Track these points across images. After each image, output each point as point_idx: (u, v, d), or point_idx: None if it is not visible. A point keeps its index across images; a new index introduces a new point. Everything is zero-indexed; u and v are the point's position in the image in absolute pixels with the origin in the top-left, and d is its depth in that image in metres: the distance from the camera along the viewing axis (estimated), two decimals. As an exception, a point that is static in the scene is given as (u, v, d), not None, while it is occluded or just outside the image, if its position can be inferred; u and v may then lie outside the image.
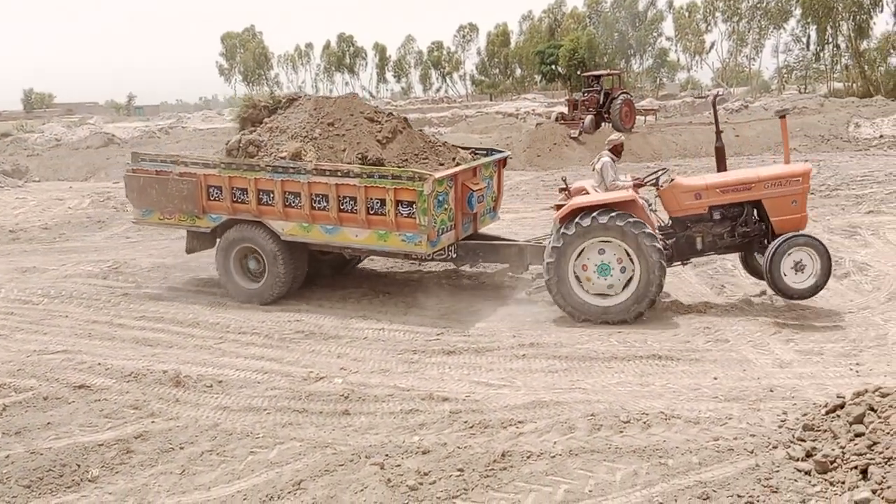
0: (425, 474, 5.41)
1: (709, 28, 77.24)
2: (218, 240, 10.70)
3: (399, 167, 9.82)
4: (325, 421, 6.48)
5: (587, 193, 9.63)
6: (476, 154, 11.38)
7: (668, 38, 79.13)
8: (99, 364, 7.96)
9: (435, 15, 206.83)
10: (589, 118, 31.56)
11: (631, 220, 9.02)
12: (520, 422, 6.26)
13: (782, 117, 10.18)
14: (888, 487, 4.63)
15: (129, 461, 5.89)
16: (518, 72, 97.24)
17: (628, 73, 71.51)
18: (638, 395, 6.86)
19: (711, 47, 78.00)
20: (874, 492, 4.67)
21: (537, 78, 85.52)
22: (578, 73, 64.23)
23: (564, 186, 9.97)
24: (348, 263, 12.14)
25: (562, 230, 9.16)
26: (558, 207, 9.61)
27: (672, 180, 9.74)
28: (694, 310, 9.61)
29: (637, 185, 9.89)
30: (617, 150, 10.24)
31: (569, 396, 6.82)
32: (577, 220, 9.09)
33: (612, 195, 9.45)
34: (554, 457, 5.61)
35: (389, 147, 10.49)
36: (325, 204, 9.87)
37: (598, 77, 34.96)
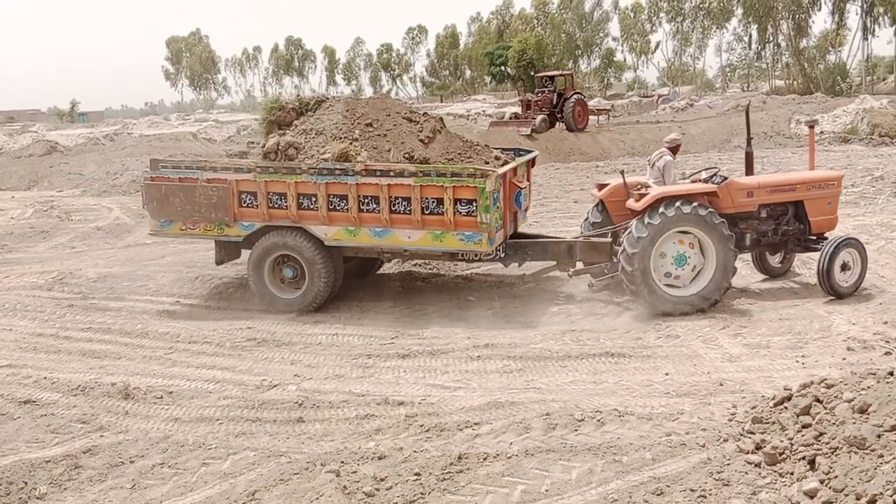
0: (382, 480, 5.39)
1: (654, 28, 78.74)
2: (250, 249, 10.15)
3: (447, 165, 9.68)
4: (279, 429, 6.41)
5: (649, 187, 9.72)
6: (505, 153, 11.23)
7: (614, 39, 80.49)
8: (45, 378, 7.75)
9: (383, 17, 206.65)
10: (540, 117, 31.94)
11: (711, 210, 9.37)
12: (476, 423, 6.28)
13: (811, 127, 11.34)
14: (835, 477, 4.74)
15: (78, 477, 5.75)
16: (468, 73, 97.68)
17: (577, 73, 72.21)
18: (592, 393, 6.92)
19: (657, 47, 79.44)
20: (822, 482, 4.79)
21: (487, 79, 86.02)
22: (530, 73, 64.80)
23: (603, 184, 10.53)
24: (370, 270, 11.80)
25: (647, 220, 9.26)
26: (599, 188, 10.46)
27: (726, 179, 10.01)
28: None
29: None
30: (675, 149, 10.45)
31: (524, 396, 6.86)
32: (661, 209, 9.24)
33: (697, 186, 9.80)
34: (510, 457, 5.63)
35: (431, 146, 10.30)
36: (375, 206, 9.53)
37: (551, 78, 35.48)
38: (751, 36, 64.83)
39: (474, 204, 9.28)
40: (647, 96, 57.30)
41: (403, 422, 6.39)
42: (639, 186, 9.79)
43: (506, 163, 10.35)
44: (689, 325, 8.87)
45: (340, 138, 9.95)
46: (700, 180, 10.20)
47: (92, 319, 10.01)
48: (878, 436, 4.85)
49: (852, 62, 60.23)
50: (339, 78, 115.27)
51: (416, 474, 5.44)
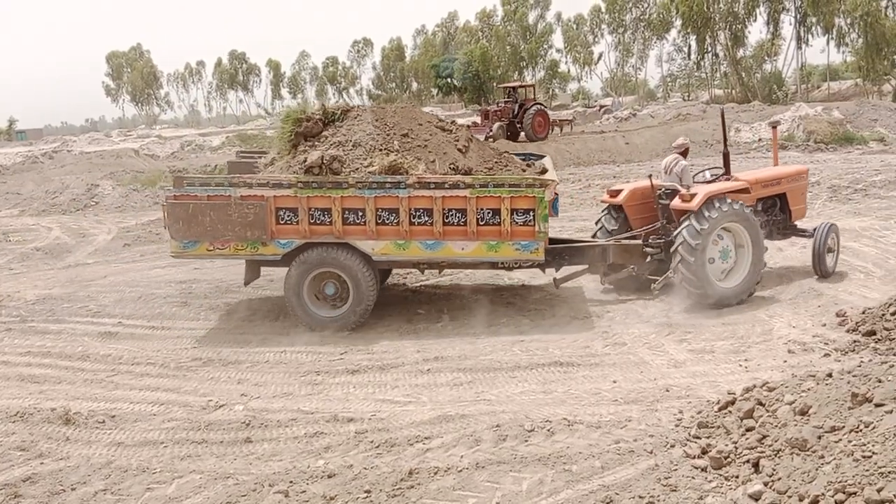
0: (331, 499, 5.33)
1: (596, 40, 79.82)
2: (289, 267, 9.72)
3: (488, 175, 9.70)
4: (226, 450, 6.30)
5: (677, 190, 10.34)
6: (520, 158, 11.31)
7: (558, 50, 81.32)
8: (-19, 405, 7.50)
9: (328, 30, 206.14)
10: (497, 125, 32.53)
11: (749, 207, 10.22)
12: (426, 438, 6.26)
13: (774, 127, 13.48)
14: (778, 479, 4.83)
15: (17, 507, 5.57)
16: (414, 85, 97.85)
17: (496, 84, 72.99)
18: (541, 403, 6.96)
19: (599, 58, 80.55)
20: (766, 484, 4.87)
21: (434, 91, 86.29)
22: (476, 85, 65.20)
23: (616, 190, 11.21)
24: (383, 283, 11.53)
25: (705, 214, 9.75)
26: (613, 195, 11.09)
27: (729, 177, 10.81)
28: (593, 315, 9.84)
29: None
30: (685, 153, 11.06)
31: (474, 409, 6.86)
32: (716, 205, 9.82)
33: (732, 184, 10.48)
34: (461, 471, 5.62)
35: (469, 156, 10.24)
36: (428, 218, 9.39)
37: (514, 89, 36.22)
38: (690, 46, 66.18)
39: (531, 213, 9.35)
40: (590, 107, 58.10)
41: (353, 438, 6.34)
42: (659, 188, 10.66)
43: (544, 171, 10.36)
44: (636, 332, 8.99)
45: (380, 150, 9.74)
46: (706, 181, 10.90)
47: (31, 343, 9.72)
48: (819, 437, 4.96)
49: (787, 71, 62.00)
50: (284, 91, 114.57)
51: (366, 491, 5.39)
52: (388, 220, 9.43)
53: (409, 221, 9.39)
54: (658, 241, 10.58)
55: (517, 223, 9.37)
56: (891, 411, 4.80)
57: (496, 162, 10.35)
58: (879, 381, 5.17)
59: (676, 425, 6.19)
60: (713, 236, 9.88)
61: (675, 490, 5.11)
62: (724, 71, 64.02)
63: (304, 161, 9.50)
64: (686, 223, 9.83)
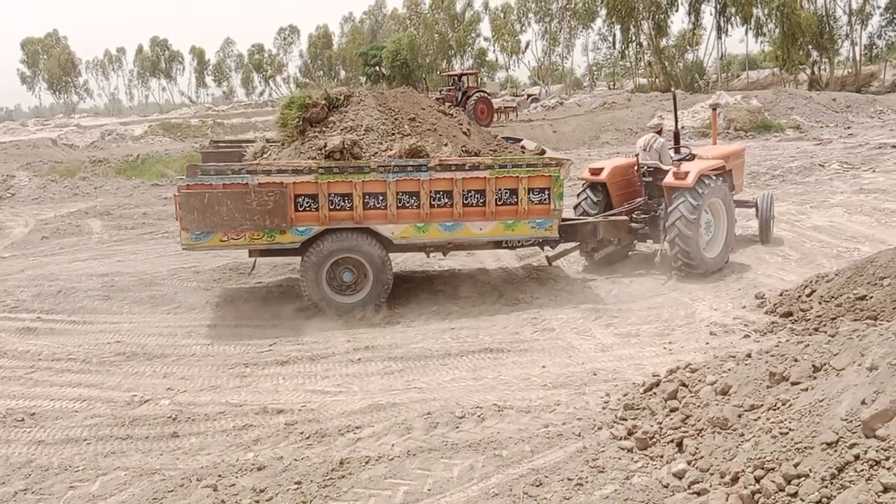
0: (261, 491, 5.26)
1: (523, 28, 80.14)
2: (306, 255, 9.56)
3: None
4: (152, 446, 6.16)
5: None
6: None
7: (486, 39, 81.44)
8: None
9: (253, 18, 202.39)
10: None
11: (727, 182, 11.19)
12: (357, 427, 6.24)
13: (714, 109, 15.23)
14: (701, 457, 4.98)
15: (-71, 512, 5.35)
16: (342, 73, 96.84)
17: (439, 72, 72.93)
18: (472, 390, 7.01)
19: (527, 47, 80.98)
20: (689, 462, 5.02)
21: (362, 79, 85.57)
22: (404, 73, 64.91)
23: (598, 168, 11.66)
24: None
25: (698, 191, 10.36)
26: (595, 173, 11.54)
27: (695, 156, 11.64)
28: (522, 301, 9.94)
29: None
30: (660, 132, 11.65)
31: (405, 397, 6.87)
32: (706, 182, 10.51)
33: (715, 162, 11.18)
34: (392, 459, 5.62)
35: (473, 139, 10.38)
36: (448, 200, 9.49)
37: (459, 77, 36.53)
38: (615, 36, 67.16)
39: (546, 192, 9.67)
40: (517, 95, 58.48)
41: (283, 430, 6.28)
42: (676, 164, 11.07)
43: (542, 151, 10.77)
44: (564, 318, 9.12)
45: (392, 134, 9.77)
46: (680, 158, 11.52)
47: (-58, 341, 9.32)
48: (739, 415, 5.13)
49: (708, 60, 63.48)
50: (209, 80, 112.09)
51: (296, 483, 5.34)
52: (408, 203, 9.48)
53: (430, 204, 9.49)
54: (643, 216, 11.28)
55: (533, 202, 9.68)
56: (806, 389, 4.99)
57: (497, 144, 10.75)
58: (796, 361, 5.36)
59: (603, 408, 6.31)
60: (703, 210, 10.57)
61: (602, 471, 5.21)
62: (647, 60, 65.15)
63: (324, 146, 9.37)
64: (681, 199, 10.38)
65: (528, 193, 9.63)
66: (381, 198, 9.43)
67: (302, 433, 6.17)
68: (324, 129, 9.88)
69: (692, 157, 11.47)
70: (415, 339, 8.67)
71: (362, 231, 9.57)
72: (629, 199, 11.52)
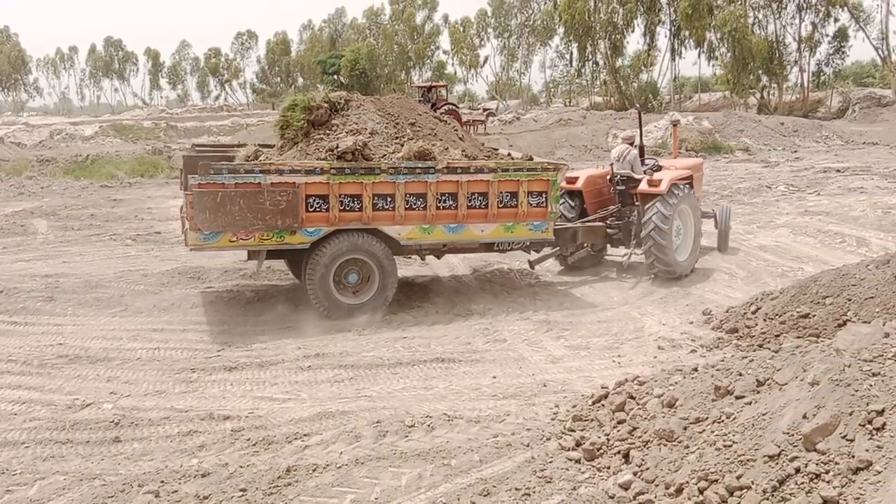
0: (205, 498, 5.16)
1: (482, 43, 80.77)
2: (313, 256, 9.50)
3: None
4: (93, 451, 6.00)
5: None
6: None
7: (445, 52, 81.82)
8: None
9: (210, 21, 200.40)
10: None
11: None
12: (305, 435, 6.17)
13: (675, 125, 15.95)
14: (647, 469, 5.03)
15: None
16: (300, 81, 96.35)
17: (409, 84, 73.05)
18: (422, 399, 6.99)
19: (485, 61, 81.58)
20: (635, 474, 5.06)
21: (320, 87, 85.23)
22: (363, 83, 64.82)
23: (574, 176, 12.11)
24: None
25: (669, 200, 11.06)
26: (571, 181, 11.95)
27: (661, 167, 12.11)
28: (475, 312, 9.96)
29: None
30: (632, 143, 12.27)
31: (355, 405, 6.82)
32: (676, 191, 11.24)
33: (684, 171, 12.03)
34: (340, 467, 5.57)
35: (467, 144, 10.74)
36: (453, 202, 9.73)
37: (428, 89, 36.27)
38: (572, 54, 68.00)
39: (544, 196, 10.13)
40: (474, 109, 58.81)
41: (229, 436, 6.17)
42: (648, 173, 11.71)
43: (531, 158, 11.05)
44: (516, 329, 9.17)
45: (395, 138, 9.97)
46: (651, 168, 12.08)
47: None
48: (685, 428, 5.20)
49: (662, 81, 64.65)
50: (163, 82, 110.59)
51: (241, 490, 5.25)
52: (415, 204, 9.63)
53: (436, 206, 9.69)
54: (617, 222, 11.91)
55: (531, 205, 10.09)
56: (750, 403, 5.08)
57: (489, 150, 11.12)
58: (740, 375, 5.46)
59: (552, 419, 6.34)
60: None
61: (549, 482, 5.23)
62: (603, 79, 66.09)
63: (336, 147, 9.41)
64: (656, 206, 11.05)
65: (528, 196, 10.02)
66: (389, 199, 9.54)
67: (248, 440, 6.08)
68: (327, 131, 9.91)
69: (658, 168, 11.98)
70: (366, 348, 8.62)
71: (370, 232, 9.64)
72: (602, 207, 12.09)
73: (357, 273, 9.79)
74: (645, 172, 11.74)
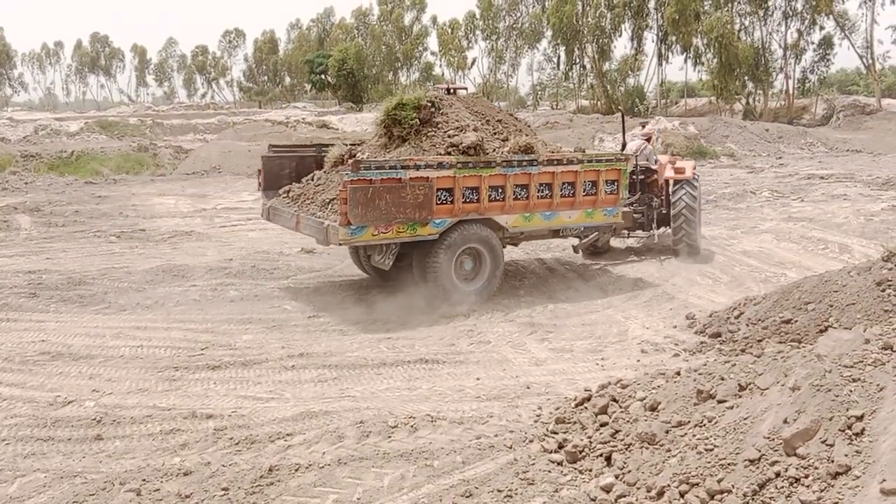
0: (187, 497, 5.15)
1: (470, 45, 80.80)
2: (438, 245, 10.07)
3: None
4: (74, 448, 5.97)
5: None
6: None
7: (432, 53, 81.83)
8: None
9: (197, 19, 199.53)
10: None
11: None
12: (288, 434, 6.16)
13: (647, 139, 15.85)
14: (628, 472, 5.06)
15: None
16: (287, 80, 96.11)
17: (396, 84, 73.02)
18: (406, 400, 6.99)
19: (473, 63, 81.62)
20: (617, 476, 5.09)
21: (307, 87, 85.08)
22: (350, 82, 64.66)
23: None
24: None
25: (694, 183, 12.91)
26: None
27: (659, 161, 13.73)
28: (459, 314, 9.96)
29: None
30: (650, 139, 14.31)
31: (338, 405, 6.81)
32: (697, 176, 13.19)
33: (693, 162, 14.46)
34: (323, 467, 5.56)
35: (539, 139, 11.53)
36: (548, 191, 10.55)
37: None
38: (559, 57, 68.27)
39: (616, 184, 11.11)
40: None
41: (212, 435, 6.15)
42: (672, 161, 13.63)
43: (584, 150, 12.20)
44: (500, 331, 9.19)
45: (494, 133, 10.79)
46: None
47: None
48: (667, 431, 5.23)
49: (649, 86, 64.97)
50: (150, 79, 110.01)
51: (223, 489, 5.24)
52: (520, 195, 10.40)
53: (536, 195, 10.47)
54: (641, 208, 13.28)
55: (607, 192, 11.02)
56: (732, 407, 5.12)
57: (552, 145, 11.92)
58: (722, 379, 5.49)
59: (535, 421, 6.36)
60: None
61: (532, 483, 5.25)
62: (590, 83, 66.35)
63: (461, 143, 10.05)
64: (684, 188, 12.73)
65: (605, 185, 10.95)
66: (500, 190, 10.27)
67: (231, 439, 6.07)
68: (434, 129, 10.54)
69: (657, 163, 13.60)
70: (350, 348, 8.62)
71: (484, 221, 10.34)
72: None
73: (473, 260, 10.52)
74: (659, 164, 13.42)
